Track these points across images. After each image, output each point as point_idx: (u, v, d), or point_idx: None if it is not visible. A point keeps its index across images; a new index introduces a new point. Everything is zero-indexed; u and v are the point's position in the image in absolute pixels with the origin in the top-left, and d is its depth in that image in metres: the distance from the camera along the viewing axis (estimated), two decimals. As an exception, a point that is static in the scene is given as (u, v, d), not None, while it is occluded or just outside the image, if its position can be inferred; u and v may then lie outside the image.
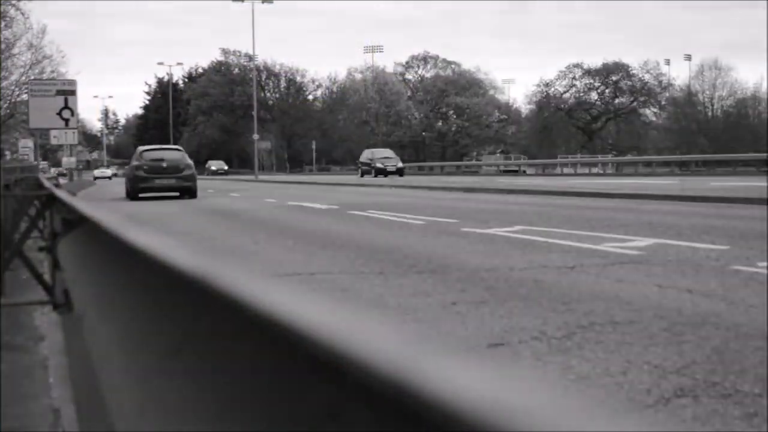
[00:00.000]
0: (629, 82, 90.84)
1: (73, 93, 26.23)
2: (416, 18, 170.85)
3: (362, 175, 56.09)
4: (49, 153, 75.23)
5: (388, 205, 19.59)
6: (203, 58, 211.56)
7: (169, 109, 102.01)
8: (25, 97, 44.78)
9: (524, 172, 66.00)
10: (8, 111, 54.30)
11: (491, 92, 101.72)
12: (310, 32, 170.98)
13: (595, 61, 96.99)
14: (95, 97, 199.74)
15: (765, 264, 7.83)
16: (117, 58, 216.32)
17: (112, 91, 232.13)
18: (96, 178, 74.26)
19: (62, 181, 39.23)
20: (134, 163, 27.92)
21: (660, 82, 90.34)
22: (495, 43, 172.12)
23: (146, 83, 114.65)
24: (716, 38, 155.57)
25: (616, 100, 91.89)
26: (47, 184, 9.88)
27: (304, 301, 0.98)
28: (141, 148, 29.75)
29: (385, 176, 52.48)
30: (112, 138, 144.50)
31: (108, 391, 2.02)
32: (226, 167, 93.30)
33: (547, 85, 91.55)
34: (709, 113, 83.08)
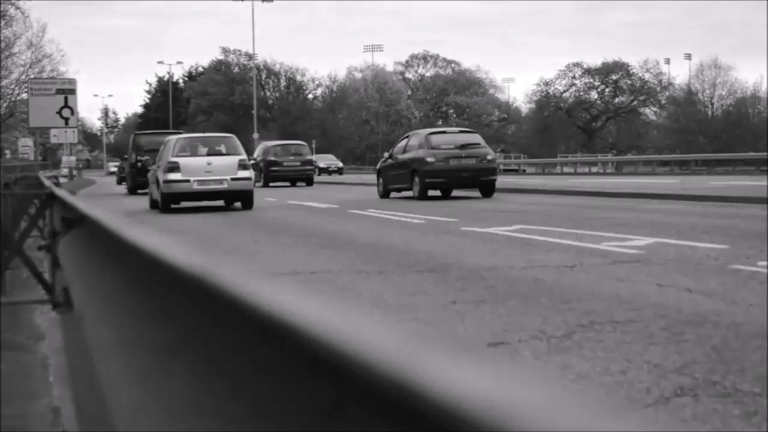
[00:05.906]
0: (629, 82, 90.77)
1: (72, 92, 26.22)
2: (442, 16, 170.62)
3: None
4: (48, 152, 75.25)
5: (388, 205, 19.59)
6: (203, 57, 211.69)
7: (169, 108, 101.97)
8: (25, 96, 44.81)
9: (524, 171, 65.92)
10: (8, 110, 54.31)
11: (491, 91, 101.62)
12: (310, 32, 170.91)
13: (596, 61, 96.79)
14: (95, 95, 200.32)
15: (765, 263, 7.83)
16: (117, 57, 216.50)
17: (112, 90, 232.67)
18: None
19: (62, 180, 39.28)
20: None
21: (660, 81, 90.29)
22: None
23: (146, 82, 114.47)
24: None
25: (616, 100, 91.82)
26: (47, 183, 9.89)
27: (304, 300, 0.98)
28: None
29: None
30: (112, 137, 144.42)
31: (108, 390, 2.02)
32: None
33: (546, 84, 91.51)
34: (709, 113, 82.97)
